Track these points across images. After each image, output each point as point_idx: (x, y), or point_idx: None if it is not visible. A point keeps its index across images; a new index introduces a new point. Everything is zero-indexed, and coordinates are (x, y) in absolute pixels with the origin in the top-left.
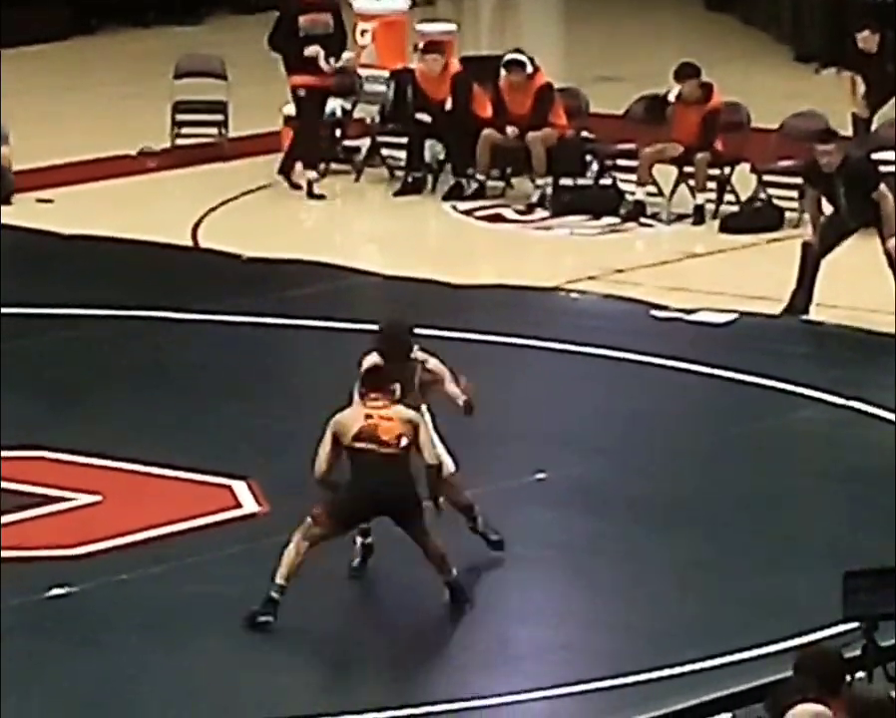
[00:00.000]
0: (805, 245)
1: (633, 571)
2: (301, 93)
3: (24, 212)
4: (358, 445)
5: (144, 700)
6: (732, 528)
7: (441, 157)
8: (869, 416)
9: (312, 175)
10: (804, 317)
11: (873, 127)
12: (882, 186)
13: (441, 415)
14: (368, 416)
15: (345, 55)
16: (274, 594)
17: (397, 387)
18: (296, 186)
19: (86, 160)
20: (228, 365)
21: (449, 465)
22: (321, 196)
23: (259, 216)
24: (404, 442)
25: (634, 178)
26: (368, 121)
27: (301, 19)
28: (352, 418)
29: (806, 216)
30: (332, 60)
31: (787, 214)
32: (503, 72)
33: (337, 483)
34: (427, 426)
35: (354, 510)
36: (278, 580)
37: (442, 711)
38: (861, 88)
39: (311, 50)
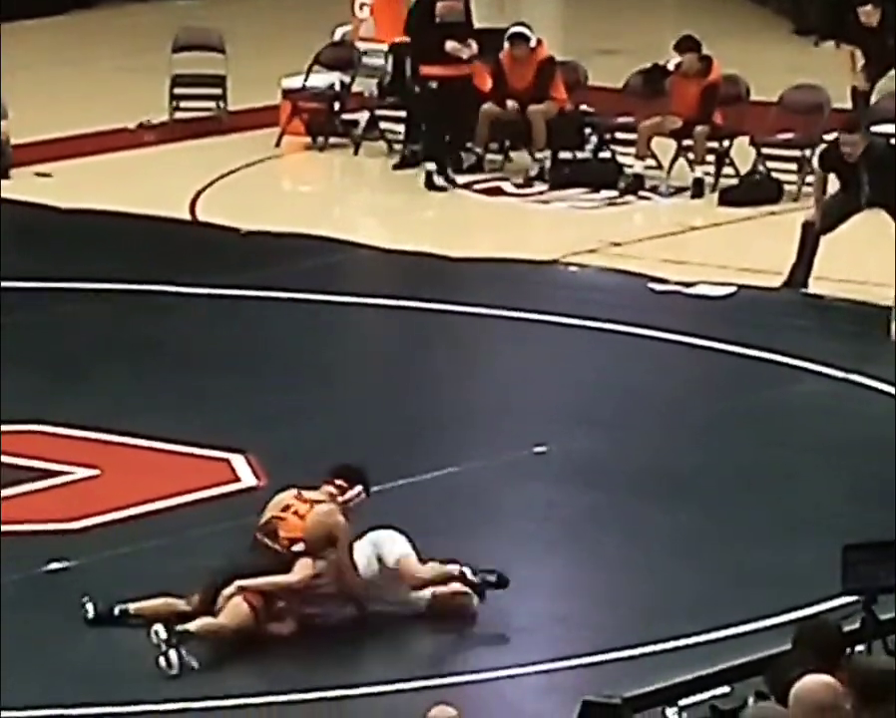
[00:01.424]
0: (806, 225)
1: (632, 545)
2: (433, 85)
3: (23, 186)
4: (258, 536)
5: (142, 674)
6: (732, 500)
7: None
8: (869, 389)
9: (431, 165)
10: (803, 290)
11: (872, 100)
12: None
13: (439, 391)
14: (287, 507)
15: (342, 29)
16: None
17: (357, 490)
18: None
19: (84, 133)
20: (227, 339)
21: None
22: (443, 188)
23: (258, 190)
24: (299, 547)
25: (632, 151)
26: (367, 94)
27: (438, 6)
28: (278, 502)
29: (806, 190)
30: (468, 49)
31: (786, 187)
32: (506, 45)
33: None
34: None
35: None
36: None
37: (442, 684)
38: (861, 61)
39: (452, 46)
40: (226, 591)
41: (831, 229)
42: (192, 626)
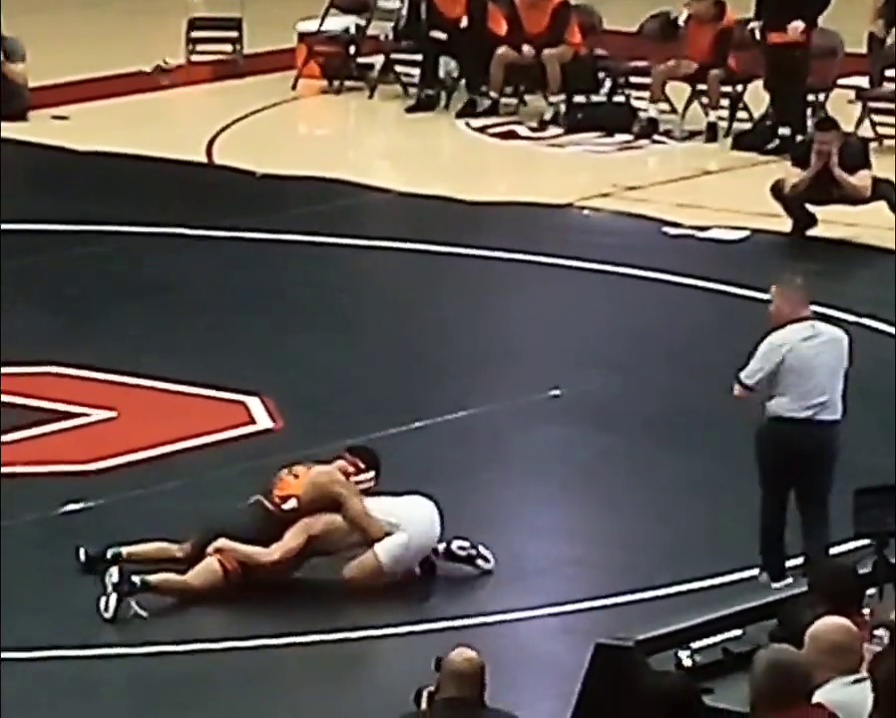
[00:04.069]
0: (774, 186)
1: (646, 488)
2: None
3: (40, 129)
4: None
5: (156, 614)
6: (745, 444)
7: (455, 74)
8: (882, 333)
9: (786, 130)
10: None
11: (888, 43)
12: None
13: (453, 334)
14: (290, 469)
15: None
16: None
17: (370, 475)
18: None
19: (101, 76)
20: (242, 282)
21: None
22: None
23: (274, 133)
24: (290, 504)
25: (647, 95)
26: (382, 38)
27: None
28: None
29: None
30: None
31: None
32: None
33: None
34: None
35: None
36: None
37: (458, 626)
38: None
39: (794, 26)
40: (210, 548)
41: (794, 202)
42: (153, 579)
